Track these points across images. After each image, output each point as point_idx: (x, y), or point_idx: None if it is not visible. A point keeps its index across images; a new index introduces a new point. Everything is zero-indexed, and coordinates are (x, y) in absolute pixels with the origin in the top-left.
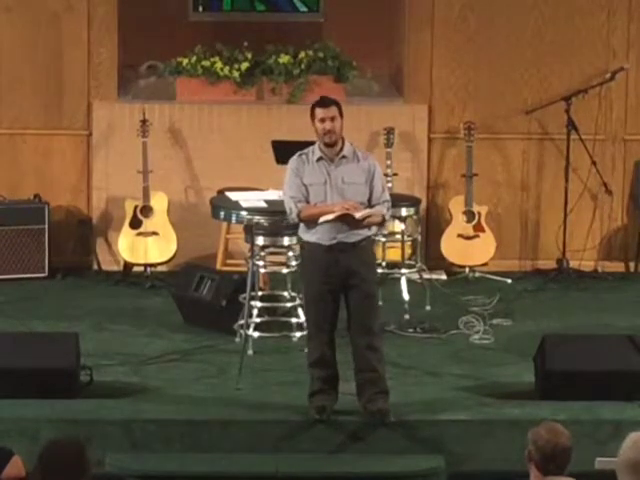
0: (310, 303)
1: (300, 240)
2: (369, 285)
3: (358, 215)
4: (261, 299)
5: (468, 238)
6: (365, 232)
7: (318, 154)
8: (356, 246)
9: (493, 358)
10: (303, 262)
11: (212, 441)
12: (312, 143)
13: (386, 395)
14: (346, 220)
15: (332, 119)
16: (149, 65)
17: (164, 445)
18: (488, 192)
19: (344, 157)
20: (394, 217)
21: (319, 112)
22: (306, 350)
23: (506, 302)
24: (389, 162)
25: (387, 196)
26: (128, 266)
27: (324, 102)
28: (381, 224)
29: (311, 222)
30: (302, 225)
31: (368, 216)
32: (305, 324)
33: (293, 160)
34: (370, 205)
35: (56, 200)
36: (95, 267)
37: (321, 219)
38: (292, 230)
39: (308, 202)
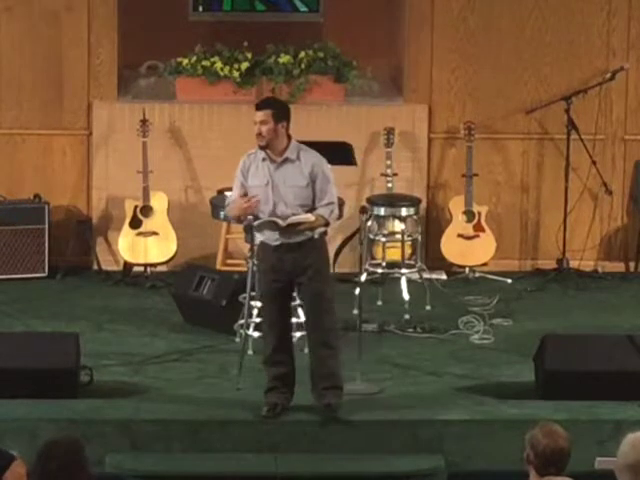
0: (263, 301)
1: None
2: (317, 283)
3: (282, 223)
4: None
5: (468, 238)
6: (308, 234)
7: (263, 154)
8: (302, 246)
9: (493, 358)
10: (257, 261)
11: (212, 441)
12: (313, 143)
13: (338, 390)
14: (273, 226)
15: (262, 123)
16: (149, 65)
17: (164, 445)
18: (488, 192)
19: (287, 159)
20: (394, 217)
21: (254, 114)
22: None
23: (506, 302)
24: (389, 162)
25: (331, 198)
26: (128, 266)
27: (257, 105)
28: (325, 226)
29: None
30: None
31: (297, 223)
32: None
33: (242, 159)
34: (313, 208)
35: (56, 200)
36: (95, 267)
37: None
38: None
39: None
